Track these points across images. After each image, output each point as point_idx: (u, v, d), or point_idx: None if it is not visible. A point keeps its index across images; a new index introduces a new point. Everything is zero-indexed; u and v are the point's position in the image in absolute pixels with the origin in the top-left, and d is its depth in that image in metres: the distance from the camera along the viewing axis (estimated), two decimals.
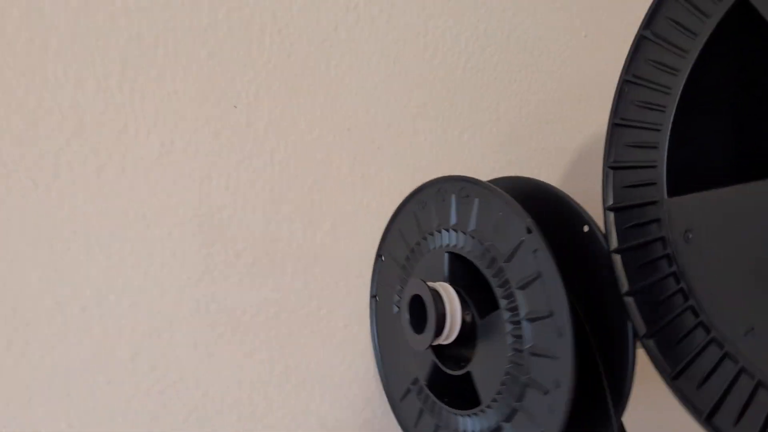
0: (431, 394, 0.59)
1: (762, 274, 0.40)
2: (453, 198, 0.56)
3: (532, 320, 0.48)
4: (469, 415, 0.55)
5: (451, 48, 0.74)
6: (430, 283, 0.54)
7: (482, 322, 0.53)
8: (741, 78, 0.46)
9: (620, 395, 0.50)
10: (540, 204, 0.54)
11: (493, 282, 0.52)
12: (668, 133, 0.46)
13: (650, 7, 0.48)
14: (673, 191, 0.46)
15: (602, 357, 0.50)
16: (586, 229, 0.53)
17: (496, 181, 0.62)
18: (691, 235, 0.44)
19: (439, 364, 0.58)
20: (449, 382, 0.57)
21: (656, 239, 0.46)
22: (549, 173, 0.81)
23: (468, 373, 0.55)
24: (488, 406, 0.52)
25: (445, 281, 0.56)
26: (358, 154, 0.68)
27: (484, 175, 0.68)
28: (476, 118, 0.76)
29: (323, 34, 0.66)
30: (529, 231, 0.48)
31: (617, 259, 0.49)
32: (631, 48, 0.49)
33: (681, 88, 0.45)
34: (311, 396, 0.66)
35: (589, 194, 0.57)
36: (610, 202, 0.50)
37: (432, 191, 0.59)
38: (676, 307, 0.45)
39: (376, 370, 0.68)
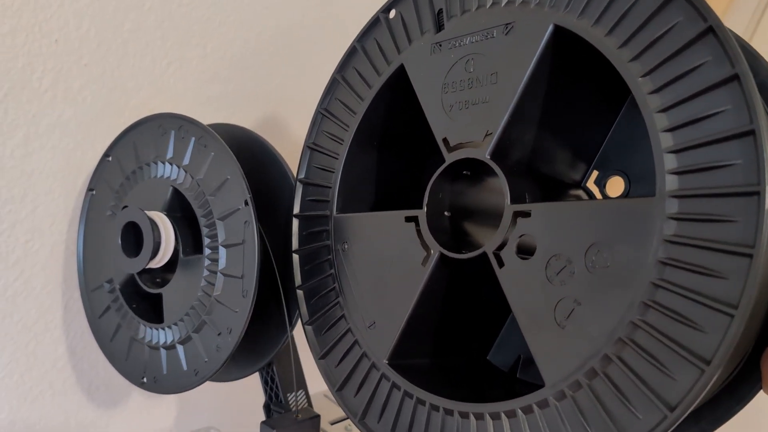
0: (121, 297, 0.65)
1: (381, 282, 0.51)
2: (172, 134, 0.61)
3: (227, 246, 0.57)
4: (151, 327, 0.63)
5: None
6: (148, 213, 0.60)
7: (187, 251, 0.61)
8: (402, 125, 0.57)
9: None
10: (244, 146, 0.64)
11: (199, 212, 0.59)
12: (342, 162, 0.57)
13: (344, 56, 0.58)
14: (339, 209, 0.56)
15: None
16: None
17: (214, 126, 0.68)
18: (346, 246, 0.55)
19: (137, 279, 0.64)
20: (141, 294, 0.65)
21: (324, 246, 0.57)
22: (245, 116, 0.87)
23: (159, 295, 0.62)
24: (169, 327, 0.60)
25: (161, 211, 0.62)
26: (64, 68, 0.67)
27: (185, 107, 0.77)
28: (184, 52, 0.78)
29: None
30: (235, 171, 0.56)
31: (295, 257, 0.59)
32: (326, 86, 0.59)
33: (356, 127, 0.56)
34: None
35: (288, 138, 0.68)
36: (297, 210, 0.60)
37: (154, 124, 0.64)
38: (330, 302, 0.56)
39: (71, 257, 0.71)
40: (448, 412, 0.46)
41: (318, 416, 0.61)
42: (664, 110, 0.37)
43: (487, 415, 0.44)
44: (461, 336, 0.55)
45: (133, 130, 0.66)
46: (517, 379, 0.55)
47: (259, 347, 0.64)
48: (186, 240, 0.61)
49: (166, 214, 0.61)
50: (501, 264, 0.44)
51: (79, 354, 0.73)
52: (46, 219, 0.69)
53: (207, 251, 0.58)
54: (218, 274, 0.57)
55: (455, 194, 0.52)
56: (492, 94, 0.47)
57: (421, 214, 0.50)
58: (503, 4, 0.47)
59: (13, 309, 0.68)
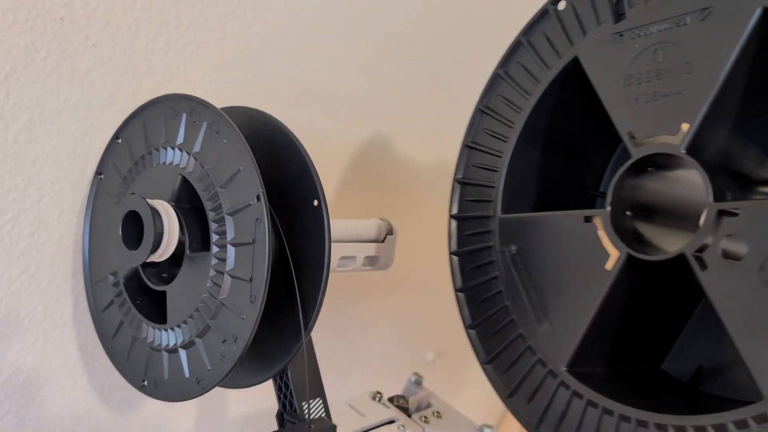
0: (125, 291, 0.59)
1: (558, 286, 0.49)
2: (184, 117, 0.55)
3: (236, 245, 0.51)
4: (153, 327, 0.57)
5: None
6: (150, 201, 0.54)
7: (194, 246, 0.54)
8: (569, 122, 0.55)
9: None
10: (262, 133, 0.57)
11: (207, 205, 0.52)
12: (507, 160, 0.55)
13: (507, 50, 0.56)
14: (504, 209, 0.54)
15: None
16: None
17: (230, 109, 0.61)
18: (514, 248, 0.53)
19: (142, 274, 0.58)
20: (146, 290, 0.59)
21: (487, 247, 0.55)
22: (265, 104, 0.74)
23: (164, 292, 0.56)
24: (172, 328, 0.55)
25: (168, 200, 0.55)
26: (70, 48, 0.62)
27: (203, 91, 0.70)
28: (201, 33, 0.71)
29: None
30: (248, 162, 0.50)
31: (455, 260, 0.58)
32: (487, 83, 0.57)
33: (522, 123, 0.54)
34: None
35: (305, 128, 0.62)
36: (455, 211, 0.58)
37: (166, 106, 0.57)
38: (496, 306, 0.54)
39: (81, 249, 0.65)
40: (642, 424, 0.43)
41: (334, 427, 0.56)
42: None
43: (691, 429, 0.41)
44: (637, 343, 0.52)
45: (144, 111, 0.60)
46: (698, 391, 0.52)
47: (272, 352, 0.58)
48: (193, 234, 0.55)
49: (174, 205, 0.55)
50: (704, 267, 0.41)
51: (90, 353, 0.69)
52: (52, 210, 0.64)
53: (214, 249, 0.52)
54: (225, 275, 0.51)
55: (637, 192, 0.49)
56: (687, 85, 0.44)
57: (604, 213, 0.47)
58: None
59: (19, 305, 0.63)
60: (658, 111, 0.45)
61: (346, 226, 0.68)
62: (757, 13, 0.41)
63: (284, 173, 0.56)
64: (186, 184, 0.55)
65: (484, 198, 0.56)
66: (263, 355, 0.57)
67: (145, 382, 0.58)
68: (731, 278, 0.40)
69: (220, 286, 0.51)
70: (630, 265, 0.46)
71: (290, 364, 0.56)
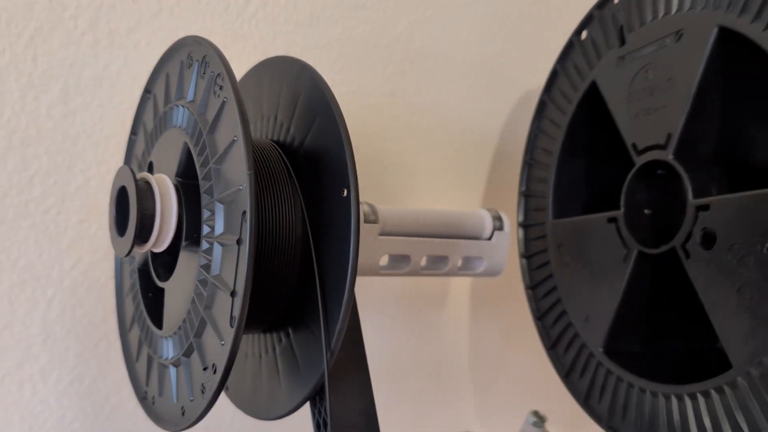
0: (138, 282, 0.50)
1: (591, 279, 0.57)
2: (195, 67, 0.44)
3: (223, 244, 0.39)
4: (154, 329, 0.47)
5: None
6: (145, 175, 0.43)
7: (189, 238, 0.43)
8: (601, 133, 0.62)
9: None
10: (304, 98, 0.45)
11: (202, 185, 0.41)
12: (554, 171, 0.63)
13: (547, 79, 0.65)
14: (555, 215, 0.63)
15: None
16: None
17: (262, 62, 0.51)
18: (561, 248, 0.61)
19: (150, 264, 0.49)
20: (155, 286, 0.49)
21: (542, 250, 0.64)
22: (353, 75, 0.67)
23: (162, 290, 0.47)
24: (165, 337, 0.45)
25: (175, 174, 0.44)
26: (104, 4, 0.54)
27: (274, 50, 0.57)
28: None
29: None
30: (235, 139, 0.38)
31: (523, 262, 0.67)
32: (536, 108, 0.66)
33: (562, 138, 0.62)
34: (32, 303, 0.54)
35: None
36: (521, 219, 0.68)
37: (184, 52, 0.46)
38: (553, 300, 0.62)
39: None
40: (653, 394, 0.50)
41: None
42: None
43: (686, 396, 0.47)
44: (680, 325, 0.58)
45: (168, 59, 0.49)
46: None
47: (303, 369, 0.44)
48: (191, 221, 0.43)
49: (179, 182, 0.44)
50: (687, 256, 0.48)
51: None
52: (102, 194, 0.55)
53: (204, 245, 0.40)
54: (208, 281, 0.40)
55: (653, 193, 0.55)
56: (669, 99, 0.50)
57: (619, 214, 0.55)
58: (673, 13, 0.51)
59: (75, 302, 0.55)
60: (652, 123, 0.52)
61: (433, 216, 0.58)
62: (715, 31, 0.47)
63: (317, 149, 0.44)
64: (189, 155, 0.43)
65: (541, 207, 0.65)
66: (292, 372, 0.45)
67: (147, 394, 0.48)
68: (706, 264, 0.46)
69: (204, 295, 0.40)
70: (643, 258, 0.53)
71: (332, 391, 0.42)
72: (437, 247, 0.57)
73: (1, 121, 0.52)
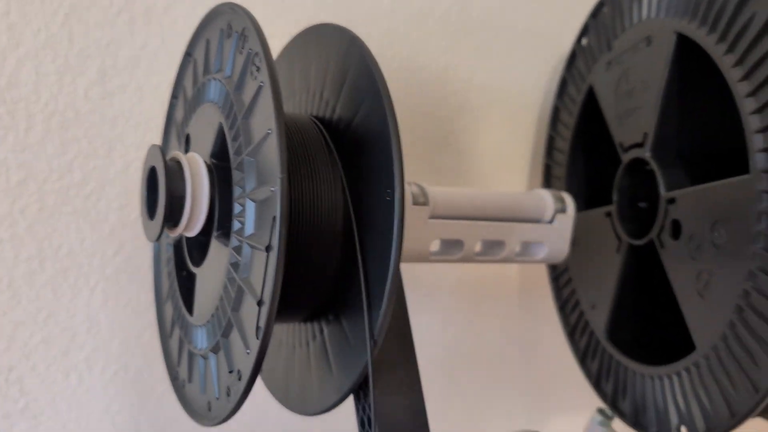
0: (173, 258, 0.48)
1: (597, 269, 0.61)
2: (235, 38, 0.40)
3: (253, 246, 0.37)
4: (185, 312, 0.46)
5: None
6: (174, 153, 0.41)
7: (221, 227, 0.40)
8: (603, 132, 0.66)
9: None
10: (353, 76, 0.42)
11: (235, 176, 0.38)
12: (565, 171, 0.67)
13: (557, 87, 0.69)
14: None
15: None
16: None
17: (307, 31, 0.48)
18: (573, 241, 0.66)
19: (184, 248, 0.46)
20: (188, 268, 0.47)
21: None
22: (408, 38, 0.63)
23: (194, 276, 0.45)
24: (196, 325, 0.43)
25: (210, 154, 0.42)
26: None
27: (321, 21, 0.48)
28: None
29: None
30: (269, 132, 0.35)
31: None
32: (550, 115, 0.70)
33: (571, 136, 0.66)
34: (75, 291, 0.53)
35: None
36: None
37: (224, 20, 0.42)
38: (569, 291, 0.67)
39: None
40: (643, 377, 0.54)
41: None
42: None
43: (665, 377, 0.51)
44: (666, 309, 0.60)
45: (209, 24, 0.45)
46: None
47: (343, 362, 0.42)
48: (223, 210, 0.40)
49: (213, 163, 0.41)
50: (662, 246, 0.52)
51: None
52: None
53: (233, 241, 0.38)
54: (237, 281, 0.38)
55: (638, 188, 0.58)
56: (645, 101, 0.54)
57: (613, 209, 0.59)
58: (644, 19, 0.54)
59: (118, 289, 0.54)
60: (633, 123, 0.56)
61: (488, 198, 0.54)
62: (674, 38, 0.50)
63: (362, 133, 0.41)
64: (224, 137, 0.40)
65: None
66: (327, 366, 0.43)
67: (179, 374, 0.47)
68: (674, 253, 0.50)
69: (232, 295, 0.38)
70: (633, 248, 0.57)
71: (376, 386, 0.40)
72: (493, 231, 0.53)
73: (39, 104, 0.51)
